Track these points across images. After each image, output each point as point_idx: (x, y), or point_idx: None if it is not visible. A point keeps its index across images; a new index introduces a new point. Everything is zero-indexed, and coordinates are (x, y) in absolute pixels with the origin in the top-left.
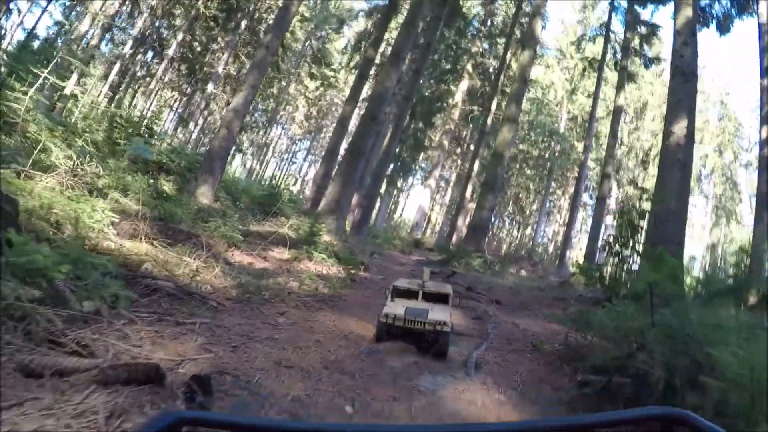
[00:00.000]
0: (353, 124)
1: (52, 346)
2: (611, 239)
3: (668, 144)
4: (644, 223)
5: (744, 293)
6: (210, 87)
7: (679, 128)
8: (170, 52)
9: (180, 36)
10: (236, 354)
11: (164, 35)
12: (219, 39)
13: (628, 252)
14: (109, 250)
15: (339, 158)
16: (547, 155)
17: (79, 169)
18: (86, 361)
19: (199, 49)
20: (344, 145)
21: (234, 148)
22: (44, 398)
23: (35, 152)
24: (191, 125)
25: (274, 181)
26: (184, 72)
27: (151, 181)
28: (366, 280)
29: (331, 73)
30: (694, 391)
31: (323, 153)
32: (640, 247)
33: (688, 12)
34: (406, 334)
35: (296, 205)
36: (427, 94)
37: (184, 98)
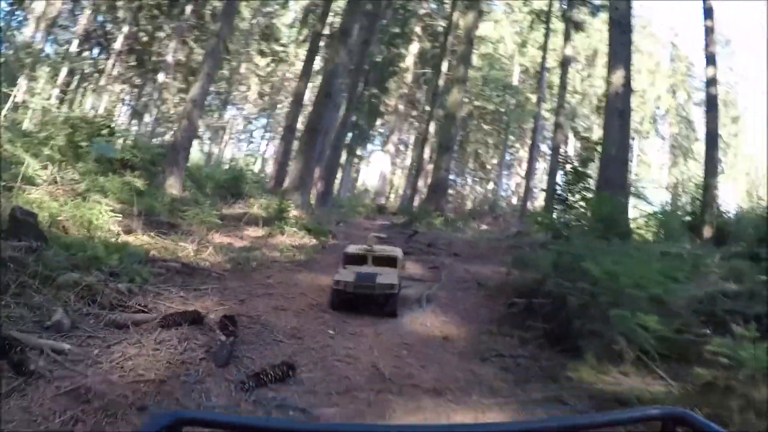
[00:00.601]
0: (309, 98)
1: (122, 309)
2: (557, 188)
3: (610, 94)
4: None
5: (700, 228)
6: (161, 76)
7: (617, 78)
8: (117, 45)
9: (126, 28)
10: (244, 305)
11: (109, 29)
12: (165, 27)
13: (574, 198)
14: (122, 244)
15: (297, 134)
16: (503, 109)
17: (58, 177)
18: (150, 315)
19: (146, 38)
20: (302, 121)
21: None
22: (134, 337)
23: (21, 167)
24: (146, 117)
25: (234, 163)
26: (133, 64)
27: (126, 179)
28: (334, 247)
29: (281, 48)
30: (584, 303)
31: (281, 130)
32: (588, 193)
33: None
34: (358, 299)
35: (260, 185)
36: (378, 59)
37: (136, 90)
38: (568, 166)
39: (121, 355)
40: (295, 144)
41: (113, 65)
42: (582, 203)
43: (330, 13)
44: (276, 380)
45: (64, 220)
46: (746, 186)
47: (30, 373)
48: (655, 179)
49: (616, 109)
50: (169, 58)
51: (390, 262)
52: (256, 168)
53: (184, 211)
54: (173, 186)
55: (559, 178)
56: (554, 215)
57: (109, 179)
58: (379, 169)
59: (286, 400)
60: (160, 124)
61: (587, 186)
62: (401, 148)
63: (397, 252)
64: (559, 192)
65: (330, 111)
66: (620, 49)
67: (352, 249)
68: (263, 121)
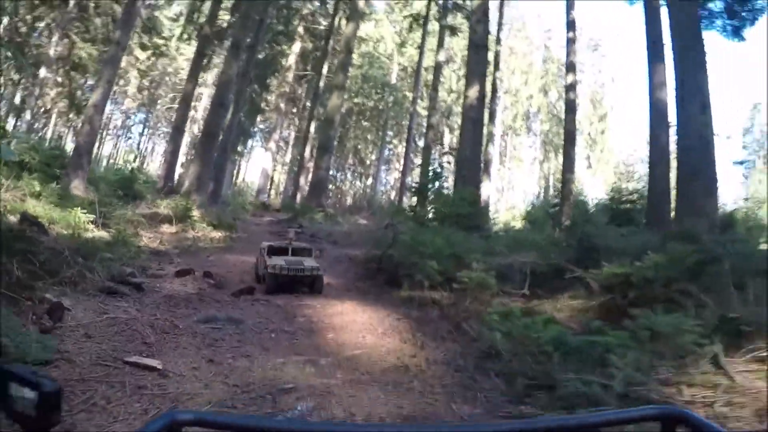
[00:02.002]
0: (197, 100)
1: (147, 274)
2: (416, 185)
3: (466, 105)
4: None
5: (559, 218)
6: (43, 71)
7: (473, 92)
8: None
9: (5, 20)
10: (207, 269)
11: None
12: (46, 18)
13: (431, 194)
14: (99, 237)
15: (186, 136)
16: (381, 106)
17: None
18: (165, 272)
19: (24, 29)
20: (191, 122)
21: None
22: (167, 280)
23: None
24: (27, 114)
25: (123, 164)
26: (9, 56)
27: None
28: (239, 238)
29: (162, 41)
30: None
31: (162, 127)
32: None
33: None
34: (291, 280)
35: (150, 185)
36: (260, 57)
37: (14, 86)
38: (428, 166)
39: (170, 285)
40: (183, 144)
41: None
42: (437, 198)
43: (217, 18)
44: (245, 293)
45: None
46: (612, 177)
47: (142, 289)
48: (529, 172)
49: (471, 118)
50: (51, 52)
51: (307, 252)
52: (136, 164)
53: (110, 211)
54: (78, 188)
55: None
56: (417, 208)
57: (20, 183)
58: (260, 165)
59: (257, 300)
60: (38, 120)
61: (442, 184)
62: (281, 145)
63: (310, 245)
64: (420, 188)
65: (222, 118)
66: (476, 68)
67: (275, 243)
68: (141, 116)
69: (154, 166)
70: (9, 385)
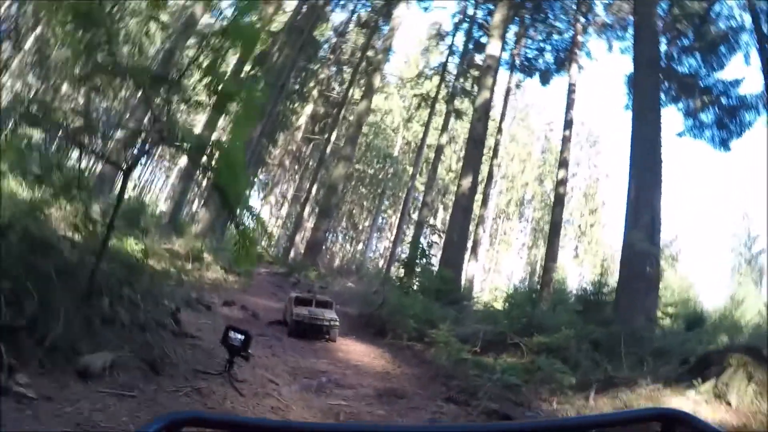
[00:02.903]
0: None
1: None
2: (405, 259)
3: (458, 194)
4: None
5: (539, 300)
6: None
7: (466, 182)
8: None
9: None
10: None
11: None
12: None
13: (418, 268)
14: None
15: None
16: (380, 176)
17: None
18: (214, 302)
19: None
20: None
21: None
22: (216, 308)
23: None
24: None
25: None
26: None
27: None
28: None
29: None
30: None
31: (180, 165)
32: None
33: (486, 95)
34: (311, 328)
35: (156, 219)
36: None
37: None
38: (417, 245)
39: (221, 310)
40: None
41: None
42: (423, 273)
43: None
44: (276, 323)
45: None
46: (598, 269)
47: (210, 309)
48: (518, 257)
49: (462, 206)
50: None
51: (327, 304)
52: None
53: None
54: None
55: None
56: (404, 279)
57: None
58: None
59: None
60: None
61: (429, 261)
62: (279, 199)
63: (330, 299)
64: (408, 262)
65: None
66: (472, 161)
67: (301, 294)
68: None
69: (152, 198)
70: (229, 333)
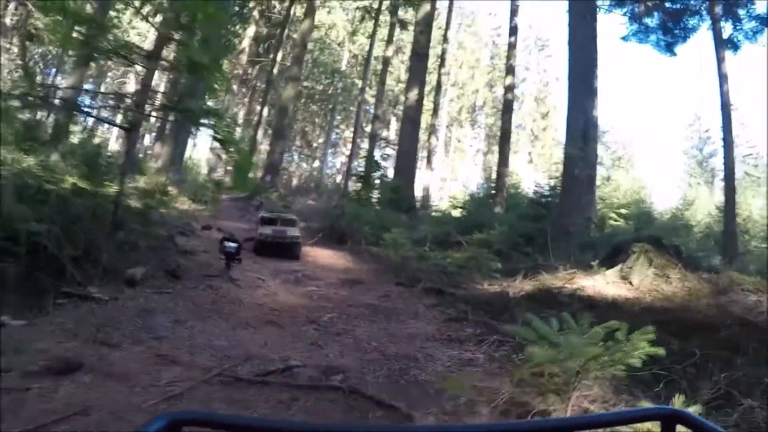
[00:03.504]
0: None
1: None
2: (360, 173)
3: (406, 107)
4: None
5: (493, 204)
6: None
7: (412, 95)
8: None
9: None
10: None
11: None
12: None
13: (372, 180)
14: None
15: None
16: (330, 92)
17: None
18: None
19: None
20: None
21: None
22: (198, 231)
23: None
24: None
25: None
26: None
27: None
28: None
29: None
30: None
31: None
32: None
33: (426, 7)
34: (275, 246)
35: (114, 160)
36: None
37: None
38: (370, 158)
39: (204, 232)
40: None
41: None
42: (379, 186)
43: None
44: (250, 240)
45: None
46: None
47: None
48: (473, 162)
49: (409, 117)
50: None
51: (292, 222)
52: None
53: None
54: None
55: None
56: (361, 192)
57: None
58: (209, 143)
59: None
60: None
61: (384, 173)
62: (231, 124)
63: (295, 217)
64: (364, 176)
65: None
66: (417, 74)
67: (266, 214)
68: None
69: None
70: (224, 243)
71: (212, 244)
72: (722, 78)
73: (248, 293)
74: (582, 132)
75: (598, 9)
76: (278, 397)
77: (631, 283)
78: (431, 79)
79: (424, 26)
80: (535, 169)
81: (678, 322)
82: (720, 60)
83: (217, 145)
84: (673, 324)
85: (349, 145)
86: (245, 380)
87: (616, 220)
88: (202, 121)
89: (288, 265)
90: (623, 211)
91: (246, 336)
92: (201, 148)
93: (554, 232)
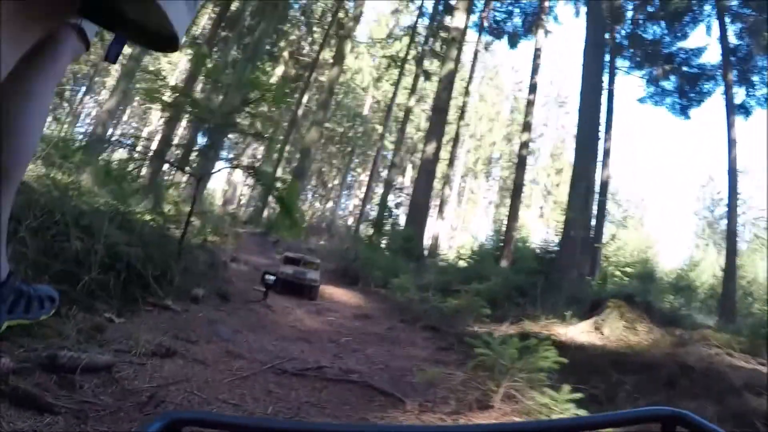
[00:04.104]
0: None
1: None
2: (374, 219)
3: (423, 159)
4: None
5: (499, 259)
6: None
7: (430, 148)
8: None
9: None
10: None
11: None
12: None
13: (384, 226)
14: None
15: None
16: (350, 134)
17: None
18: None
19: None
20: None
21: None
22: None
23: None
24: None
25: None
26: None
27: None
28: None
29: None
30: (363, 274)
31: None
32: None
33: (450, 66)
34: (293, 286)
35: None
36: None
37: None
38: (385, 205)
39: (234, 265)
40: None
41: None
42: (389, 231)
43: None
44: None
45: None
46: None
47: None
48: (485, 214)
49: (426, 170)
50: None
51: (314, 266)
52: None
53: None
54: None
55: (380, 211)
56: (373, 237)
57: None
58: (227, 179)
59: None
60: None
61: (396, 220)
62: (251, 160)
63: (317, 260)
64: (377, 222)
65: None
66: (436, 128)
67: (290, 254)
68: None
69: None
70: (265, 275)
71: (243, 275)
72: (731, 143)
73: (282, 317)
74: (583, 197)
75: (616, 72)
76: (313, 384)
77: (602, 332)
78: (450, 129)
79: (447, 83)
80: (546, 224)
81: (628, 362)
82: (730, 125)
83: (238, 178)
84: (623, 363)
85: (364, 189)
86: (290, 372)
87: (622, 279)
88: (275, 185)
89: (307, 300)
90: (628, 270)
91: (286, 345)
92: (213, 179)
93: (546, 286)
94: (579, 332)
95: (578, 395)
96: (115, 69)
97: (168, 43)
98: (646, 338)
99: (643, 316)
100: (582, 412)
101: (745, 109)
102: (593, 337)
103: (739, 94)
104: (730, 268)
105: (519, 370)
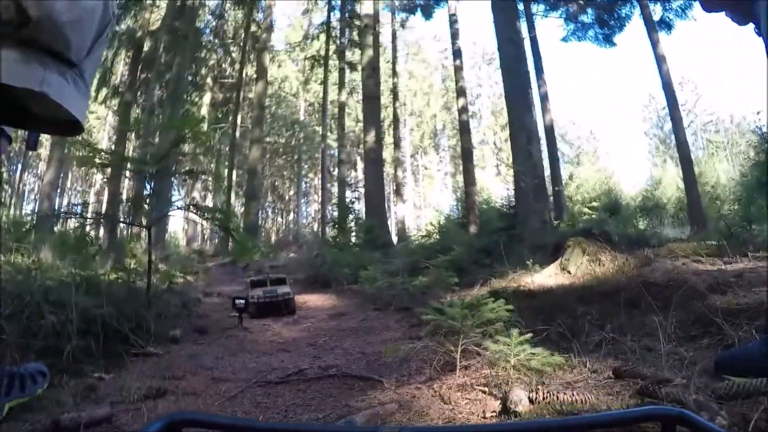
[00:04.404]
0: None
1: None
2: (334, 219)
3: (366, 149)
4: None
5: (467, 226)
6: None
7: (370, 137)
8: None
9: None
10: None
11: None
12: None
13: (347, 224)
14: None
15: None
16: (293, 143)
17: None
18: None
19: None
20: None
21: None
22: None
23: None
24: None
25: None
26: None
27: None
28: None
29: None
30: (333, 275)
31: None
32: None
33: (369, 52)
34: (268, 306)
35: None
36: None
37: None
38: (340, 201)
39: (212, 299)
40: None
41: None
42: (353, 226)
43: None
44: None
45: None
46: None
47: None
48: (443, 185)
49: (371, 159)
50: None
51: (282, 281)
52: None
53: None
54: None
55: (339, 210)
56: (339, 238)
57: None
58: (184, 215)
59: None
60: None
61: (357, 215)
62: (202, 192)
63: (284, 275)
64: (339, 222)
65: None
66: (371, 116)
67: (255, 277)
68: None
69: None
70: (235, 300)
71: (217, 306)
72: (659, 59)
73: (260, 336)
74: (525, 147)
75: (534, 17)
76: (297, 388)
77: (569, 272)
78: (388, 113)
79: (371, 70)
80: (504, 181)
81: (594, 294)
82: (654, 43)
83: (192, 216)
84: (589, 296)
85: (320, 192)
86: (274, 382)
87: (590, 215)
88: (216, 216)
89: (287, 314)
90: (594, 204)
91: (267, 359)
92: (172, 221)
93: (509, 241)
94: (546, 277)
95: (529, 336)
96: (46, 138)
97: (73, 126)
98: (610, 267)
99: (605, 246)
100: (538, 350)
101: (666, 24)
102: (561, 279)
103: (657, 11)
104: (689, 177)
105: (471, 326)
